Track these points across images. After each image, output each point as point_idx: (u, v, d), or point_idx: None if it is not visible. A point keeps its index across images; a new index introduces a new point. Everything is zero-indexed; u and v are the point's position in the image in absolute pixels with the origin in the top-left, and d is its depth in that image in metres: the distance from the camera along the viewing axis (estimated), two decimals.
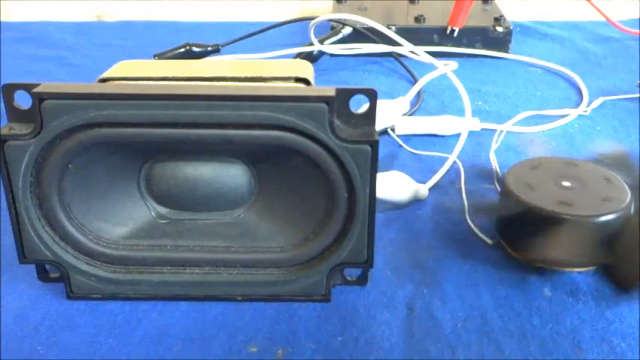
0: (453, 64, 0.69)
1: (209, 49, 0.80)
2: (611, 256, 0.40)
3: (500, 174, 0.47)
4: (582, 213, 0.40)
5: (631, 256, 0.39)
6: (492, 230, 0.46)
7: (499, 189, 0.45)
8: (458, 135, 0.58)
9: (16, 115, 0.36)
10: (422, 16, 0.82)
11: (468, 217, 0.48)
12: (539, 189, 0.43)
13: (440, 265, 0.43)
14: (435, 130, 0.60)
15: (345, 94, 0.35)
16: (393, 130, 0.60)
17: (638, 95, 0.67)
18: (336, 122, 0.36)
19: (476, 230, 0.46)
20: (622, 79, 0.75)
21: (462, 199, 0.50)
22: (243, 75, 0.42)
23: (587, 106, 0.65)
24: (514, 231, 0.44)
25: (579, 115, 0.64)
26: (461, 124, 0.59)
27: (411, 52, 0.74)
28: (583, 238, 0.40)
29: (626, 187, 0.43)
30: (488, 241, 0.45)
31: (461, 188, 0.51)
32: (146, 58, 0.74)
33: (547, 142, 0.52)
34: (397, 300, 0.40)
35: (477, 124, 0.61)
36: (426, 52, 0.72)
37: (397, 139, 0.59)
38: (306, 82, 0.42)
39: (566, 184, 0.43)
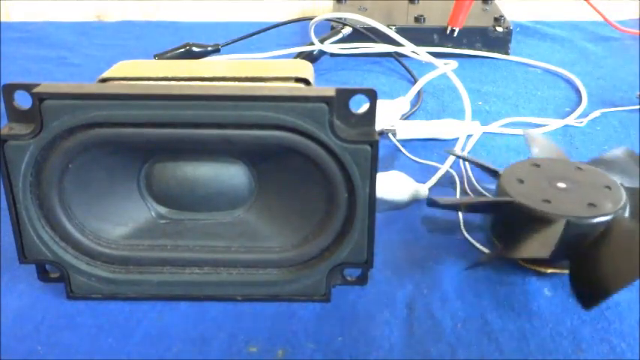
0: (453, 64, 0.69)
1: (209, 49, 0.80)
2: (582, 262, 0.40)
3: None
4: (560, 212, 0.40)
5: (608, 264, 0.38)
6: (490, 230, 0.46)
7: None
8: (459, 137, 0.58)
9: (16, 115, 0.36)
10: (422, 16, 0.82)
11: (463, 225, 0.48)
12: (529, 187, 0.43)
13: (440, 265, 0.43)
14: (436, 135, 0.60)
15: (345, 94, 0.35)
16: (394, 135, 0.59)
17: (637, 107, 0.67)
18: (336, 122, 0.36)
19: (471, 240, 0.47)
20: (621, 79, 0.75)
21: (462, 198, 0.50)
22: (243, 75, 0.42)
23: (585, 117, 0.64)
24: (499, 225, 0.44)
25: (575, 127, 0.64)
26: (461, 128, 0.59)
27: (411, 51, 0.74)
28: (552, 235, 0.39)
29: (623, 195, 0.42)
30: (485, 250, 0.45)
31: (464, 188, 0.51)
32: (146, 58, 0.74)
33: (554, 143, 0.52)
34: (397, 300, 0.40)
35: (478, 128, 0.60)
36: (426, 52, 0.72)
37: (398, 144, 0.58)
38: (306, 82, 0.42)
39: (561, 185, 0.43)
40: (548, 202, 0.41)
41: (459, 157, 0.52)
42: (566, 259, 0.40)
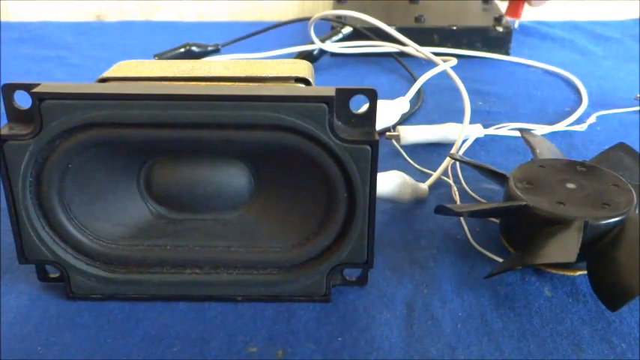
0: (452, 61, 0.69)
1: (209, 49, 0.80)
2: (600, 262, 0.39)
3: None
4: (575, 214, 0.40)
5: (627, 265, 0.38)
6: (492, 230, 0.46)
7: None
8: (463, 140, 0.57)
9: (16, 115, 0.36)
10: (422, 16, 0.82)
11: (464, 221, 0.48)
12: (539, 189, 0.42)
13: (440, 265, 0.43)
14: (438, 139, 0.59)
15: (345, 94, 0.35)
16: (397, 140, 0.58)
17: (637, 108, 0.66)
18: (336, 122, 0.36)
19: (470, 239, 0.47)
20: (622, 79, 0.75)
21: (462, 198, 0.50)
22: (243, 75, 0.42)
23: (586, 117, 0.64)
24: (513, 230, 0.44)
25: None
26: (464, 132, 0.58)
27: (414, 49, 0.74)
28: (572, 239, 0.39)
29: (632, 193, 0.42)
30: (485, 251, 0.45)
31: (462, 187, 0.51)
32: (146, 58, 0.74)
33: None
34: (397, 300, 0.40)
35: (479, 131, 0.60)
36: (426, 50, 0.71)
37: (400, 150, 0.58)
38: (306, 82, 0.42)
39: (570, 186, 0.43)
40: (562, 204, 0.41)
41: (462, 162, 0.52)
42: (584, 260, 0.40)
